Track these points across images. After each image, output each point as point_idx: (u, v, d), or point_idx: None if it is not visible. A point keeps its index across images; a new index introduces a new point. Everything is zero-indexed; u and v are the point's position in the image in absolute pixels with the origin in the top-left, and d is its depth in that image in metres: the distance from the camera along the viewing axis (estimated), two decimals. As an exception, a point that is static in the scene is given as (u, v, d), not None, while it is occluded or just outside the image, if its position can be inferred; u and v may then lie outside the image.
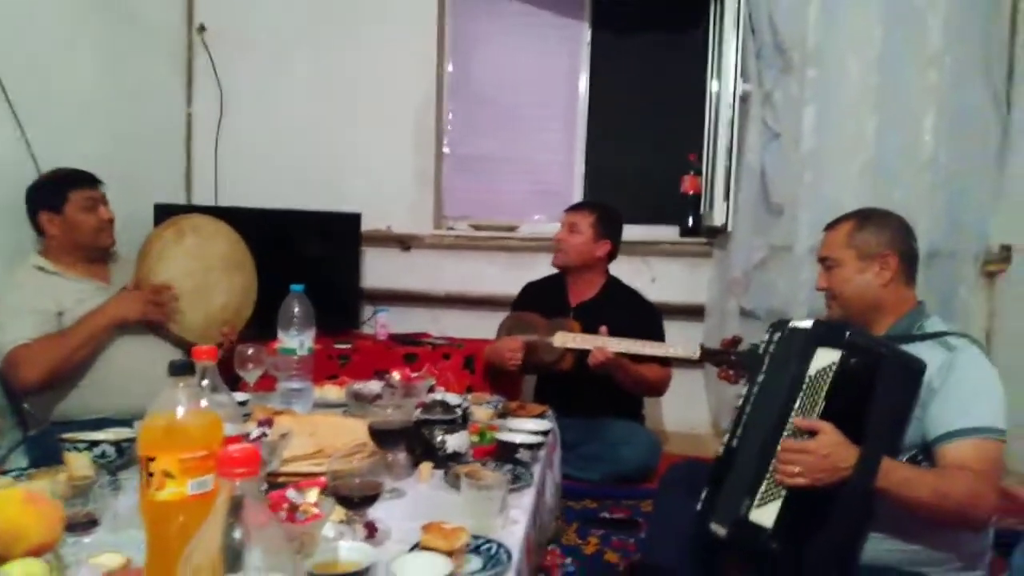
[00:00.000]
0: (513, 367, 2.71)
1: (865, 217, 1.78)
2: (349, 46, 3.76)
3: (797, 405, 1.52)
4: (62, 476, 1.43)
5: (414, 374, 2.15)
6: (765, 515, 1.49)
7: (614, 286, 2.95)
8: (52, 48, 2.83)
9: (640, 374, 2.67)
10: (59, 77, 2.87)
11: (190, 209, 3.66)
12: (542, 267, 3.16)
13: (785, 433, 1.51)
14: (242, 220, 2.69)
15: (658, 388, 2.82)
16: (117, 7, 3.21)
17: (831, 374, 1.49)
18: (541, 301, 2.92)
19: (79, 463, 1.48)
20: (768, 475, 1.51)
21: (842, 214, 1.83)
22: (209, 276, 2.50)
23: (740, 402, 1.69)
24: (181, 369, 1.18)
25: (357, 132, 3.78)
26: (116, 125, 3.18)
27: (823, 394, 1.50)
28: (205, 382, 1.30)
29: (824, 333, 1.54)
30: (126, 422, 1.71)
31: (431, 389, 2.13)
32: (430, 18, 3.76)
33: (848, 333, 1.52)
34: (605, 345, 2.55)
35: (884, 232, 1.73)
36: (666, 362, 2.74)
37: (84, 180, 2.40)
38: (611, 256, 2.94)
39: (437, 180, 3.87)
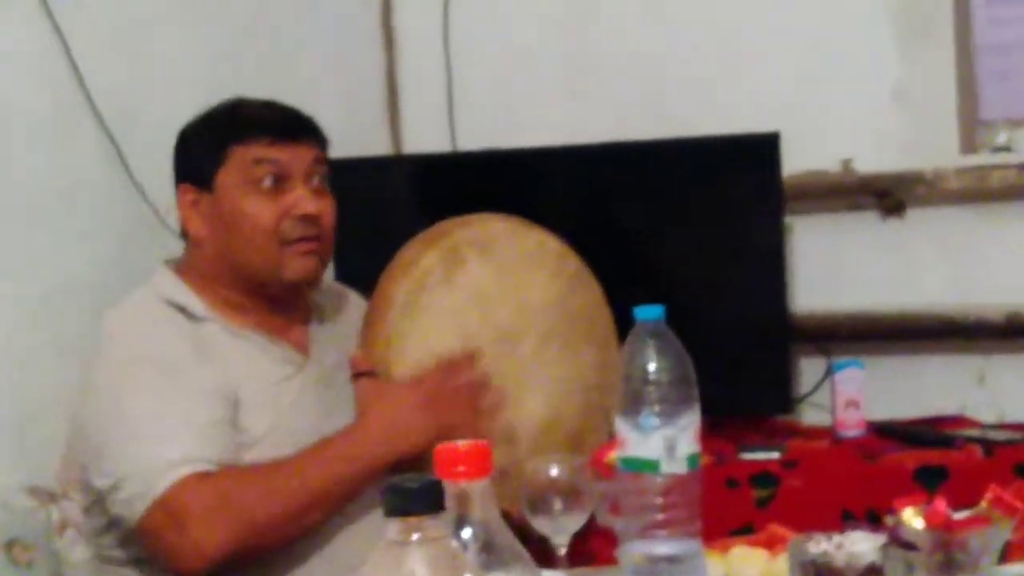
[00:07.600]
0: None
1: None
2: None
3: None
4: None
5: (959, 515, 0.68)
6: None
7: None
8: None
9: None
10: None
11: (404, 162, 1.99)
12: None
13: None
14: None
15: None
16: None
17: None
18: None
19: None
20: None
21: None
22: (519, 350, 1.20)
23: None
24: (413, 502, 0.43)
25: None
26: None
27: None
28: (468, 532, 0.51)
29: None
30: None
31: None
32: None
33: None
34: None
35: None
36: None
37: None
38: None
39: (964, 48, 1.63)
